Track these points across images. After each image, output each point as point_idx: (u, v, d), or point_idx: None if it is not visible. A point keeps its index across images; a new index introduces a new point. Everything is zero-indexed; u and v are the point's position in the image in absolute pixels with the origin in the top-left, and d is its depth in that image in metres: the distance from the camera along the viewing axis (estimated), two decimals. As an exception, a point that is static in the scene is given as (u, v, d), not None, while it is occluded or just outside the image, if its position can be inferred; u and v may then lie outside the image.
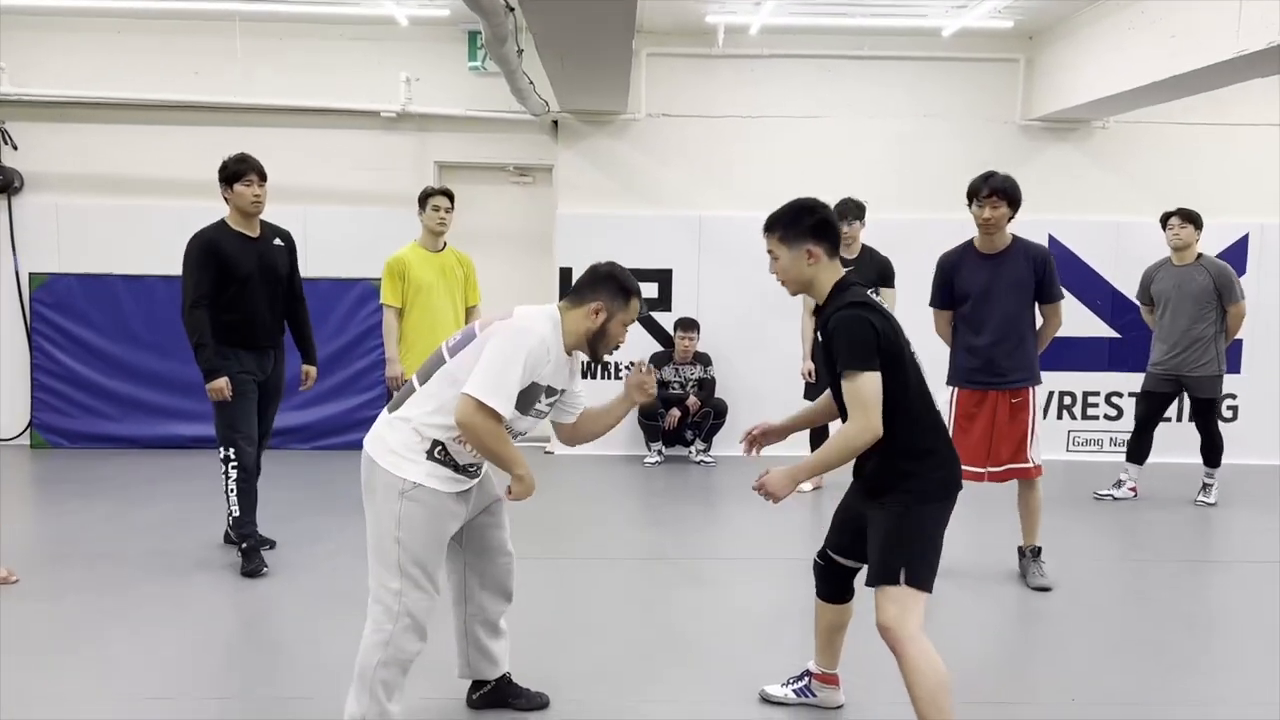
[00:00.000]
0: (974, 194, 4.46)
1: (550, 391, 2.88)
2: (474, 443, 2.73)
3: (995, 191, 4.38)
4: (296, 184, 7.40)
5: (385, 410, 2.93)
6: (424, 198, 5.47)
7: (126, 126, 7.38)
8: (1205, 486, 6.21)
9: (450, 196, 5.48)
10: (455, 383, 2.74)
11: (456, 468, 2.83)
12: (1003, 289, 4.53)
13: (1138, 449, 6.34)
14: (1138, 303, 6.52)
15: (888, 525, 2.79)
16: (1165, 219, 6.18)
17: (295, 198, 7.35)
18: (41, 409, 7.28)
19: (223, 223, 4.66)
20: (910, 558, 2.76)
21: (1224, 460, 6.20)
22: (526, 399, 2.78)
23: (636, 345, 7.33)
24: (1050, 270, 4.55)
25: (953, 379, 4.75)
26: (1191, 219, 6.10)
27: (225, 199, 4.64)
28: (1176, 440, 7.43)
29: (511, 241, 7.74)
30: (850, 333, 2.75)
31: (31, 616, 4.03)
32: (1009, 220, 4.48)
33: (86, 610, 4.12)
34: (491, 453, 2.76)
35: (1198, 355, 6.03)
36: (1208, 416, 6.19)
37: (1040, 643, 4.04)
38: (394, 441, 2.80)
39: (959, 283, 4.63)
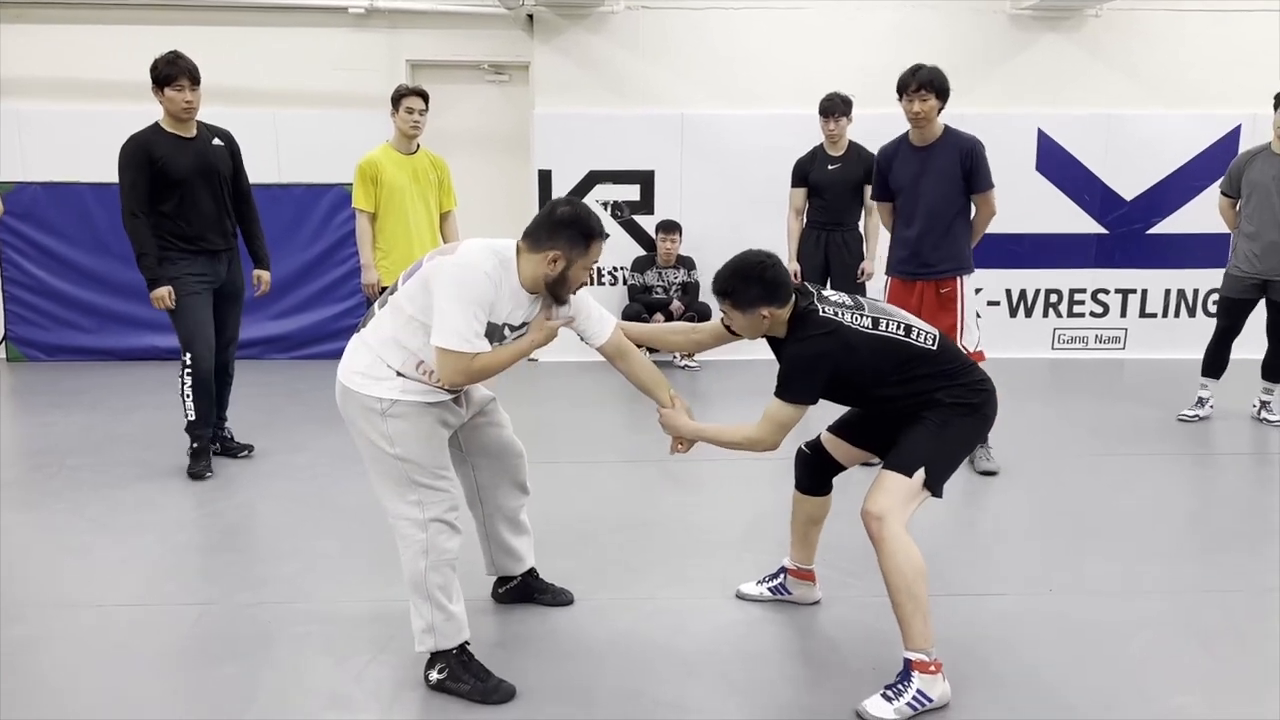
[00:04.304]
0: (903, 88, 4.49)
1: (510, 328, 2.76)
2: (487, 378, 2.70)
3: (923, 85, 4.42)
4: (265, 87, 7.19)
5: (354, 335, 2.85)
6: (397, 98, 5.23)
7: (89, 27, 7.11)
8: (1265, 404, 5.67)
9: (425, 98, 5.25)
10: (398, 312, 2.70)
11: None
12: (930, 181, 4.57)
13: (1216, 362, 5.67)
14: (1220, 193, 5.72)
15: (926, 428, 2.78)
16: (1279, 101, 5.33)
17: (264, 101, 7.17)
18: (15, 322, 7.17)
19: (156, 125, 4.50)
20: (935, 458, 2.76)
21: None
22: (490, 337, 2.69)
23: (620, 250, 7.23)
24: (977, 160, 4.54)
25: (888, 268, 4.84)
26: None
27: (158, 101, 4.46)
28: (1158, 336, 7.46)
29: (487, 143, 7.54)
30: (799, 364, 2.77)
31: (9, 527, 4.01)
32: (938, 112, 4.51)
33: (65, 520, 4.11)
34: (502, 369, 2.69)
35: None
36: None
37: (1016, 534, 4.06)
38: (361, 364, 2.74)
39: (892, 176, 4.70)
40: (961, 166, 4.53)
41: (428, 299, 2.63)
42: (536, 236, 2.70)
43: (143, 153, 4.38)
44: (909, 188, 4.64)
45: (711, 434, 2.97)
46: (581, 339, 2.97)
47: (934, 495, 2.78)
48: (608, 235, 2.86)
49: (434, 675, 2.80)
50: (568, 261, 2.69)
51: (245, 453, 4.91)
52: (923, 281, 4.64)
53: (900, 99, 4.50)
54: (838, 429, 3.14)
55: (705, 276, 7.12)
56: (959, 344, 4.56)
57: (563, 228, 2.68)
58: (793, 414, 2.78)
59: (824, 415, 3.12)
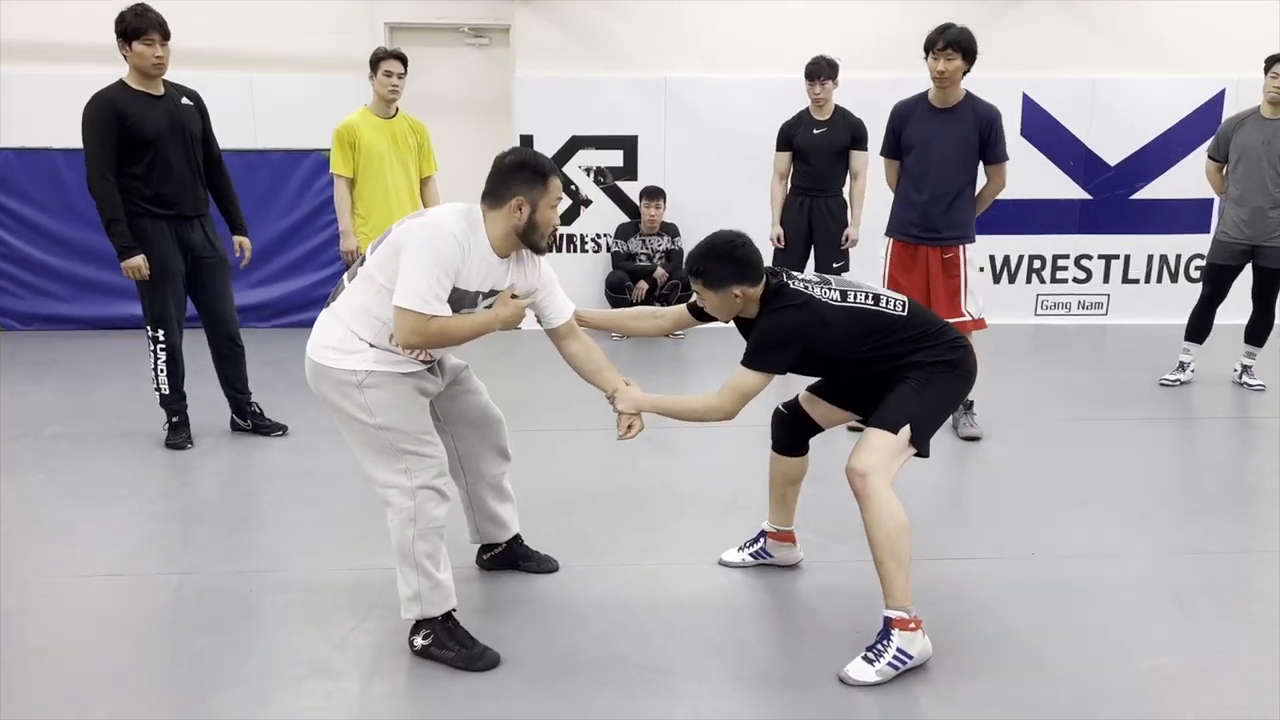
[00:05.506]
0: (930, 46, 4.41)
1: (483, 295, 2.73)
2: (441, 347, 2.70)
3: (950, 44, 4.35)
4: (241, 50, 7.08)
5: (323, 309, 2.79)
6: (375, 61, 5.13)
7: (58, -11, 6.96)
8: (1247, 368, 5.67)
9: (404, 61, 5.16)
10: (369, 282, 2.65)
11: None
12: (946, 145, 4.51)
13: (1200, 327, 5.67)
14: (1208, 157, 5.68)
15: (909, 386, 2.79)
16: (1270, 64, 5.28)
17: (240, 64, 7.05)
18: (-12, 291, 7.07)
19: (122, 83, 4.28)
20: (919, 414, 2.77)
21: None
22: (456, 304, 2.64)
23: (604, 217, 7.16)
24: (996, 130, 4.51)
25: (890, 229, 4.77)
26: None
27: (124, 56, 4.24)
28: (1140, 301, 7.48)
29: (468, 107, 7.45)
30: (771, 336, 2.79)
31: (-16, 498, 3.97)
32: (964, 74, 4.45)
33: (41, 491, 4.07)
34: (462, 340, 2.67)
35: (1277, 221, 5.31)
36: (1273, 291, 5.53)
37: (999, 498, 4.07)
38: (332, 339, 2.70)
39: (906, 134, 4.62)
40: (980, 134, 4.48)
41: (397, 264, 2.58)
42: (495, 192, 2.69)
43: (111, 111, 4.17)
44: (921, 148, 4.56)
45: (669, 405, 3.00)
46: (538, 318, 2.97)
47: (920, 453, 2.79)
48: (565, 185, 2.82)
49: (419, 641, 2.78)
50: (532, 205, 2.67)
51: (279, 432, 4.76)
52: (927, 247, 4.60)
53: (926, 56, 4.42)
54: (817, 389, 3.14)
55: (689, 243, 7.07)
56: (962, 308, 4.56)
57: (516, 171, 2.68)
58: (757, 383, 2.79)
59: (801, 377, 3.11)
